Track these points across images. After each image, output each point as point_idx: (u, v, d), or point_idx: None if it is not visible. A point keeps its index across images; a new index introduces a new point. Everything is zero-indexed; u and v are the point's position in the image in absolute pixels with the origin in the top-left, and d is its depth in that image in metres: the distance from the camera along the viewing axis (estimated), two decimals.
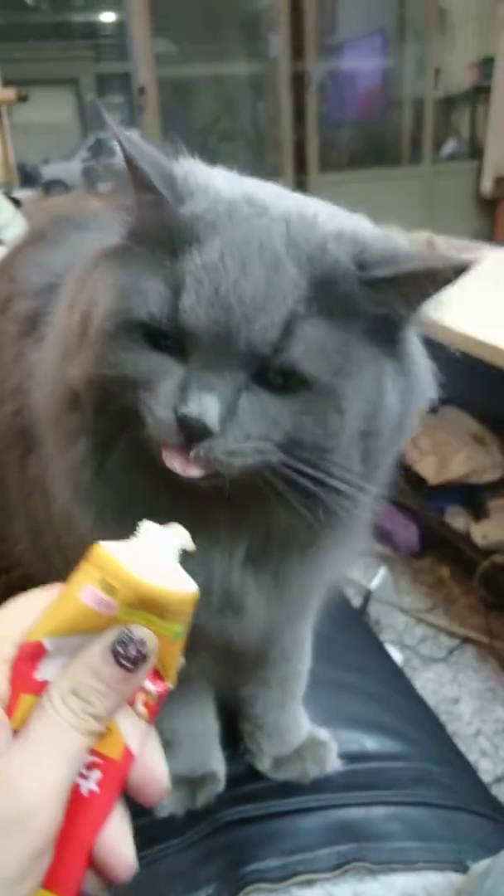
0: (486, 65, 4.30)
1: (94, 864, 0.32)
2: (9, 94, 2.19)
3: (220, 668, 0.63)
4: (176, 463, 0.40)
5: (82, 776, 0.31)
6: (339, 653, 0.82)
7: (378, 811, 0.67)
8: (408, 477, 0.51)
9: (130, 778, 0.33)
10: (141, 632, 0.32)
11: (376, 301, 0.41)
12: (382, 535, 1.88)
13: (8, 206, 1.60)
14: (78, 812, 0.31)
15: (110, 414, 0.44)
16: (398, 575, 1.80)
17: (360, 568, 1.60)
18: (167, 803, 0.66)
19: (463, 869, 0.62)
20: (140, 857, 0.62)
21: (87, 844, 0.31)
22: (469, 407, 1.89)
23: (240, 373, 0.40)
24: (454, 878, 0.62)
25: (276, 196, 0.45)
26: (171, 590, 0.32)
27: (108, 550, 0.32)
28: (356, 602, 1.50)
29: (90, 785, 0.31)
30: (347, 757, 0.72)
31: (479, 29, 4.47)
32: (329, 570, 0.55)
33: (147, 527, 0.34)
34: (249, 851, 0.61)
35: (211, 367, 0.39)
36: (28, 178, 4.84)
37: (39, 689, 0.31)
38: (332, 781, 0.69)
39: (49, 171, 5.32)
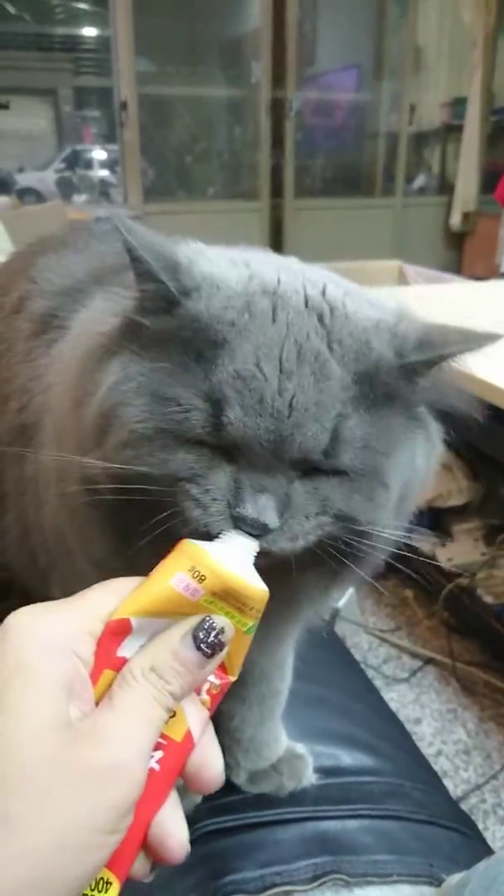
0: (458, 105, 4.46)
1: (148, 845, 0.32)
2: None
3: None
4: None
5: None
6: (314, 668, 0.83)
7: (353, 824, 0.68)
8: None
9: (188, 764, 0.34)
10: (221, 621, 0.34)
11: (412, 383, 0.42)
12: None
13: None
14: None
15: (136, 505, 0.41)
16: (363, 595, 1.82)
17: None
18: None
19: (435, 882, 0.63)
20: None
21: (145, 823, 0.32)
22: None
23: (291, 471, 0.39)
24: (426, 891, 0.63)
25: (287, 278, 0.43)
26: (252, 584, 0.34)
27: (199, 545, 0.34)
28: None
29: (152, 763, 0.32)
30: (323, 771, 0.72)
31: (451, 70, 4.63)
32: (318, 605, 0.56)
33: (229, 532, 0.37)
34: (227, 863, 0.61)
35: (261, 467, 0.38)
36: (2, 184, 4.83)
37: (120, 665, 0.32)
38: (307, 794, 0.70)
39: (23, 180, 5.29)
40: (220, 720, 0.72)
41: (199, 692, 0.34)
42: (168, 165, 4.46)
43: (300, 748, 0.73)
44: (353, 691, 0.87)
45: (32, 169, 5.53)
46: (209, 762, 0.34)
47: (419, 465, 0.45)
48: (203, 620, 0.33)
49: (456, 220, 4.42)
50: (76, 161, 5.52)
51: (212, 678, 0.34)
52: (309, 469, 0.39)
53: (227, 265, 0.43)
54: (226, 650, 0.34)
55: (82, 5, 5.01)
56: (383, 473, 0.41)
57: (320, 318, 0.40)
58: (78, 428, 0.45)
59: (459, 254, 4.54)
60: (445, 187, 4.68)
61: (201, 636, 0.33)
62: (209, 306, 0.40)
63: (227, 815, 0.66)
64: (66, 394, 0.48)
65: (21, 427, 0.59)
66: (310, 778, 0.71)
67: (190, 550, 0.34)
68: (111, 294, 0.47)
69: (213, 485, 0.39)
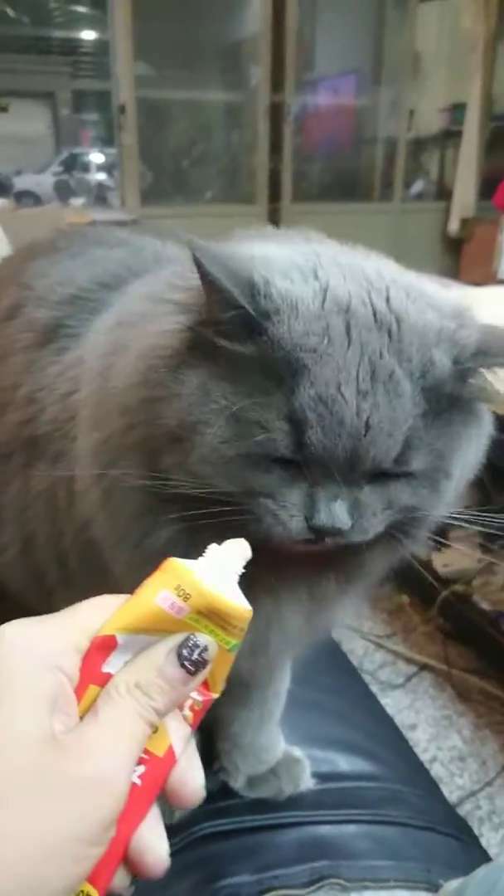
0: (457, 110, 4.47)
1: (128, 859, 0.32)
2: None
3: None
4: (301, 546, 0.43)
5: None
6: (312, 673, 0.83)
7: (350, 829, 0.68)
8: None
9: (169, 780, 0.34)
10: (205, 639, 0.34)
11: (466, 383, 0.45)
12: None
13: None
14: None
15: (204, 503, 0.42)
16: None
17: None
18: None
19: (433, 888, 0.63)
20: None
21: (126, 836, 0.32)
22: None
23: (361, 479, 0.43)
24: None
25: (354, 288, 0.44)
26: (236, 604, 0.34)
27: (184, 563, 0.35)
28: None
29: (133, 778, 0.32)
30: (320, 776, 0.72)
31: (450, 75, 4.64)
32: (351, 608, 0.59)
33: (213, 548, 0.37)
34: (224, 866, 0.62)
35: (335, 479, 0.42)
36: None
37: (104, 680, 0.33)
38: (305, 799, 0.70)
39: (21, 183, 5.29)
40: (220, 725, 0.72)
41: (181, 708, 0.35)
42: (165, 169, 4.46)
43: (298, 752, 0.74)
44: (350, 696, 0.87)
45: (30, 172, 5.53)
46: (190, 778, 0.34)
47: (473, 452, 0.48)
48: (187, 638, 0.34)
49: (454, 226, 4.43)
50: (74, 164, 5.51)
51: (195, 695, 0.35)
52: (378, 473, 0.43)
53: (298, 278, 0.43)
54: (209, 668, 0.34)
55: (81, 9, 5.00)
56: (448, 468, 0.45)
57: (389, 334, 0.42)
58: (149, 426, 0.45)
59: (457, 260, 4.55)
60: (444, 193, 4.68)
61: (185, 653, 0.33)
62: (290, 332, 0.41)
63: (224, 818, 0.66)
64: (121, 393, 0.47)
65: (29, 440, 0.58)
66: (307, 782, 0.71)
67: (175, 569, 0.34)
68: (155, 301, 0.48)
69: (288, 500, 0.42)
